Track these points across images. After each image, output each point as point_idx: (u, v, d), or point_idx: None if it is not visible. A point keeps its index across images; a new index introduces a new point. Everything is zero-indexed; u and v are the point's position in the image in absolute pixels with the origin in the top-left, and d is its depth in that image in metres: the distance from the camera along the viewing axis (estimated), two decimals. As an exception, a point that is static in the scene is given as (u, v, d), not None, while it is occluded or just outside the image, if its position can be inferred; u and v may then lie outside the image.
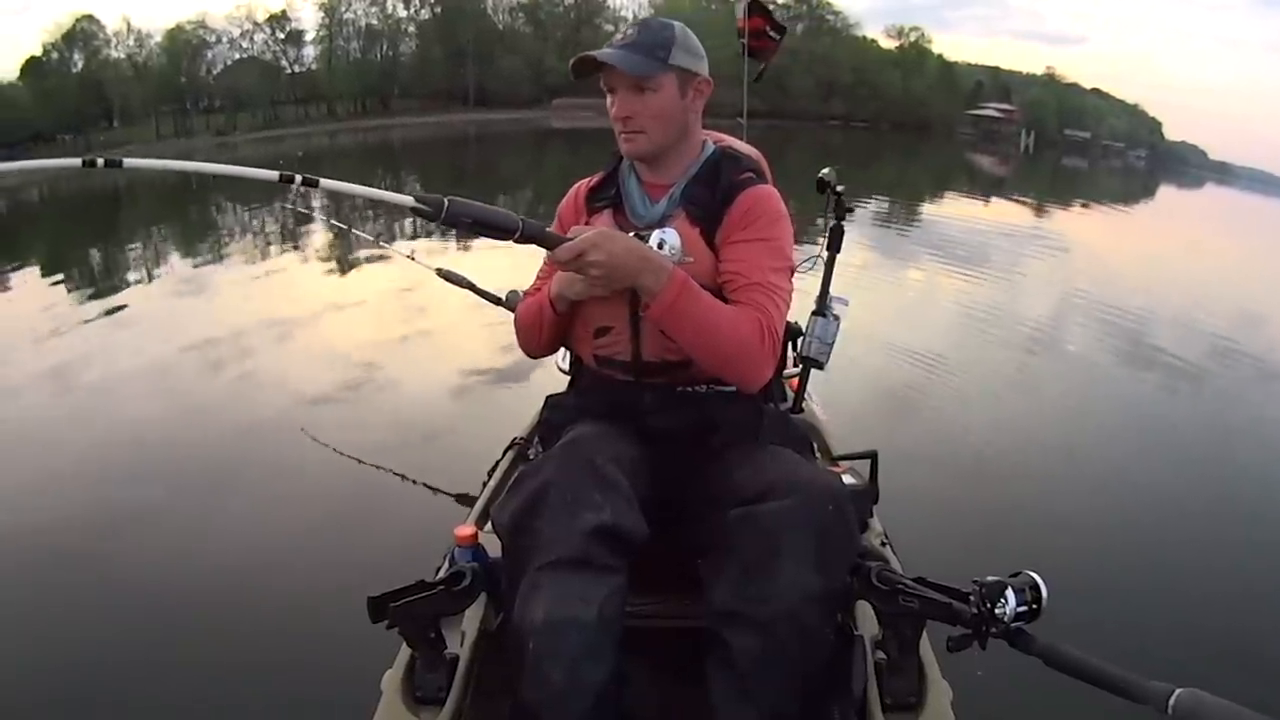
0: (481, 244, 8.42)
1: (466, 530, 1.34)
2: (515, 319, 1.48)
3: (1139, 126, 60.40)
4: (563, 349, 1.52)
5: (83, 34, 44.31)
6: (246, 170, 1.23)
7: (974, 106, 57.07)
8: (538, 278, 1.48)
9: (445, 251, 8.01)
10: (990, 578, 1.05)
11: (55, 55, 43.87)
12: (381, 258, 7.19)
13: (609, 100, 1.33)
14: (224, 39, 49.59)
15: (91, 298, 6.73)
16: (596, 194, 1.44)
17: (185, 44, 47.87)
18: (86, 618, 2.20)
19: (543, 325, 1.40)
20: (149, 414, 3.77)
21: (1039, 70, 63.36)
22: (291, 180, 1.19)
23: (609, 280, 1.21)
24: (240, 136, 43.12)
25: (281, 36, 50.83)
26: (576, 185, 1.49)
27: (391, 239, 8.22)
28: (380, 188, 1.21)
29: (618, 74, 1.29)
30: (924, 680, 1.18)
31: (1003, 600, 1.02)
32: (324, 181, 1.21)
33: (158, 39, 47.46)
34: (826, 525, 1.10)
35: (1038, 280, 7.80)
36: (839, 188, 2.18)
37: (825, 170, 2.18)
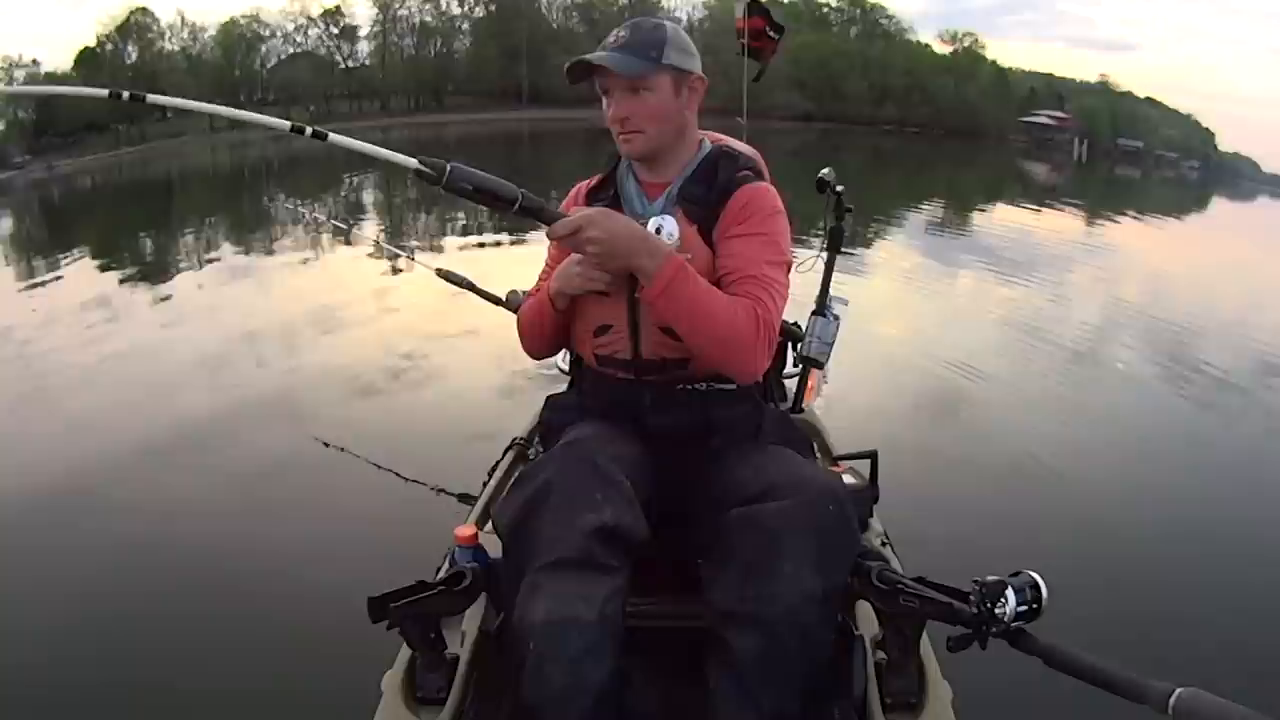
0: (481, 245, 8.57)
1: (467, 530, 1.34)
2: (517, 320, 1.49)
3: (1192, 137, 58.52)
4: (563, 350, 1.52)
5: (137, 26, 44.88)
6: (262, 118, 1.33)
7: (1027, 113, 56.02)
8: (539, 278, 1.48)
9: (446, 252, 8.04)
10: (991, 577, 1.04)
11: (110, 47, 44.33)
12: (383, 258, 7.22)
13: (605, 103, 1.33)
14: (278, 33, 50.15)
15: (127, 283, 6.94)
16: (596, 194, 1.45)
17: (239, 38, 48.30)
18: (84, 619, 2.20)
19: (543, 324, 1.40)
20: (154, 409, 3.80)
21: (1092, 78, 62.23)
22: (302, 131, 1.26)
23: (605, 257, 1.21)
24: None
25: (335, 32, 51.37)
26: (577, 186, 1.50)
27: (395, 240, 8.30)
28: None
29: (613, 76, 1.29)
30: (924, 680, 1.18)
31: (1003, 600, 1.02)
32: (332, 136, 1.27)
33: (211, 32, 48.11)
34: (827, 525, 1.10)
35: (1079, 288, 7.65)
36: (839, 188, 2.19)
37: (825, 170, 2.18)
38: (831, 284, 2.24)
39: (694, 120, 1.38)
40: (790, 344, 2.11)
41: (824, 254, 2.29)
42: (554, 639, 1.05)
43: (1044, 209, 16.30)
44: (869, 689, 1.18)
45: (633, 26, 1.33)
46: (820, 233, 2.27)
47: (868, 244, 9.32)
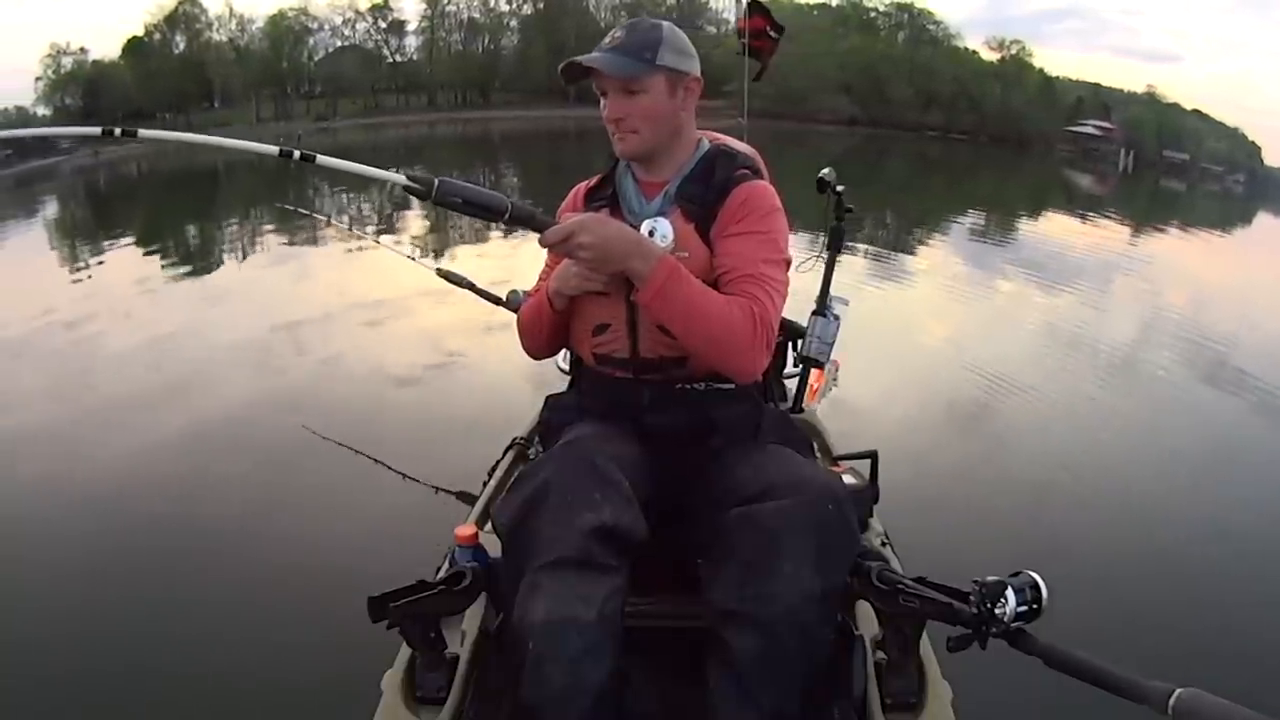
0: (482, 245, 8.58)
1: (467, 530, 1.34)
2: (518, 320, 1.49)
3: (1238, 150, 56.61)
4: (563, 350, 1.52)
5: (185, 16, 45.82)
6: (250, 145, 1.32)
7: (1073, 123, 54.99)
8: (539, 278, 1.49)
9: (450, 251, 8.05)
10: (990, 578, 1.04)
11: (157, 36, 45.23)
12: (383, 258, 7.21)
13: (601, 103, 1.34)
14: (326, 26, 50.95)
15: (161, 270, 7.13)
16: (594, 194, 1.45)
17: (287, 30, 48.93)
18: (81, 610, 2.21)
19: (542, 323, 1.41)
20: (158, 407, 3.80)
21: (1138, 88, 60.58)
22: (290, 155, 1.26)
23: (598, 262, 1.21)
24: (340, 122, 44.42)
25: (383, 26, 51.94)
26: (576, 187, 1.50)
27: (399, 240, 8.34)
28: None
29: (607, 77, 1.30)
30: (924, 680, 1.18)
31: (1003, 600, 1.02)
32: (320, 158, 1.27)
33: (259, 24, 48.88)
34: (826, 525, 1.10)
35: (1119, 299, 7.47)
36: (839, 188, 2.19)
37: (825, 170, 2.19)
38: (832, 284, 2.24)
39: (690, 120, 1.38)
40: (790, 344, 2.11)
41: (825, 254, 2.29)
42: (554, 639, 1.05)
43: (1089, 219, 15.81)
44: (869, 689, 1.18)
45: (630, 27, 1.34)
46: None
47: (910, 250, 9.39)
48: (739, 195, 1.32)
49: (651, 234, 1.28)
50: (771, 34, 2.64)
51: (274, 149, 1.26)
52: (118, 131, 1.28)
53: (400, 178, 1.18)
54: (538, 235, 1.22)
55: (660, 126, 1.33)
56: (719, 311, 1.21)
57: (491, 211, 1.19)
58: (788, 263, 1.35)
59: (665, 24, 1.35)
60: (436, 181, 1.17)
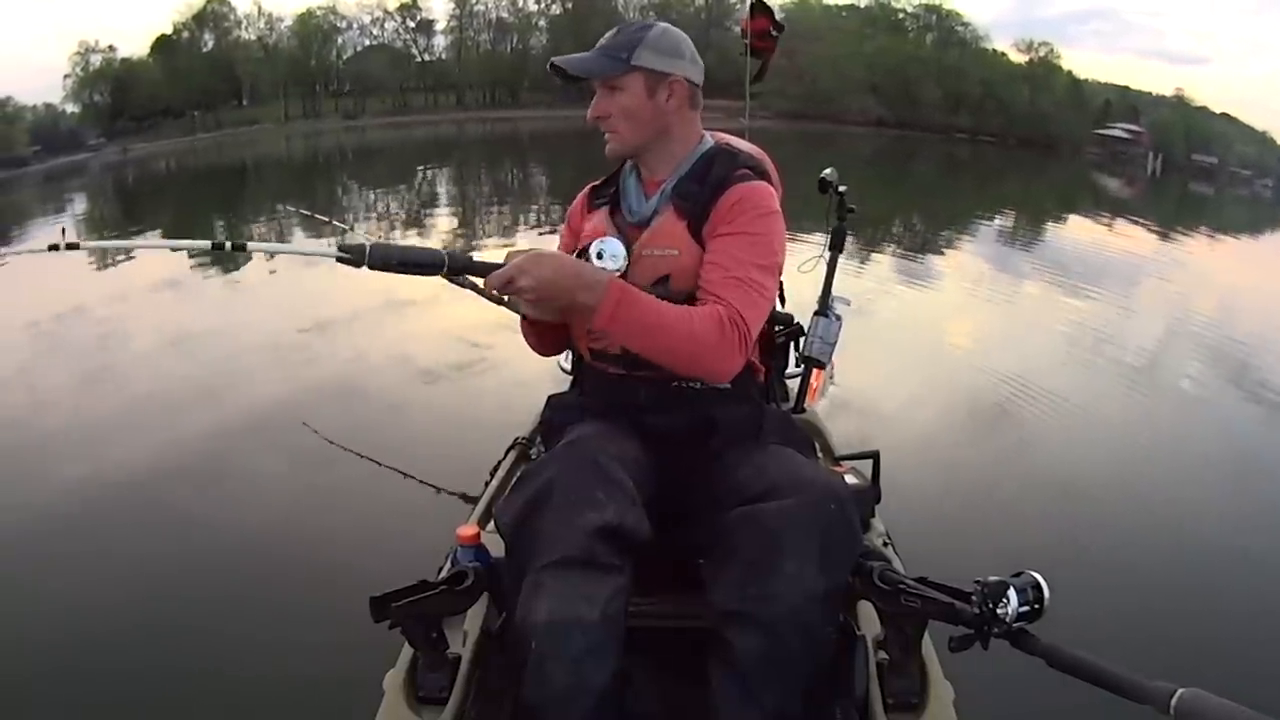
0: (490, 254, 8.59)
1: (469, 530, 1.34)
2: (520, 322, 1.50)
3: (1267, 154, 54.67)
4: (565, 350, 1.53)
5: (213, 15, 46.24)
6: (185, 242, 1.56)
7: (1101, 126, 53.67)
8: None
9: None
10: (992, 578, 1.04)
11: (186, 34, 45.72)
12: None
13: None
14: (354, 25, 51.05)
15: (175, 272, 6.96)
16: (598, 192, 1.47)
17: (316, 29, 49.17)
18: (83, 614, 2.21)
19: (539, 325, 1.43)
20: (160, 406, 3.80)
21: (1166, 91, 58.86)
22: (222, 247, 1.37)
23: (544, 301, 1.23)
24: (368, 120, 44.70)
25: (412, 25, 51.98)
26: (587, 186, 1.51)
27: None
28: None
29: (591, 77, 1.33)
30: (926, 680, 1.18)
31: (1005, 600, 1.02)
32: (250, 244, 1.43)
33: (288, 23, 49.10)
34: (829, 525, 1.10)
35: (1144, 303, 7.29)
36: (841, 188, 2.19)
37: (827, 170, 2.19)
38: (834, 284, 2.24)
39: (684, 120, 1.37)
40: (793, 343, 2.11)
41: (826, 254, 2.29)
42: (556, 639, 1.05)
43: (1116, 223, 15.42)
44: (870, 689, 1.18)
45: (619, 29, 1.35)
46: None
47: (937, 251, 9.41)
48: (733, 195, 1.31)
49: (600, 256, 1.28)
50: (773, 33, 2.64)
51: (207, 244, 1.37)
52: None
53: (332, 250, 1.24)
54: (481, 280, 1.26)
55: (640, 126, 1.34)
56: (676, 324, 1.20)
57: (429, 267, 1.24)
58: (778, 267, 1.33)
59: (659, 26, 1.35)
60: (368, 247, 1.21)
